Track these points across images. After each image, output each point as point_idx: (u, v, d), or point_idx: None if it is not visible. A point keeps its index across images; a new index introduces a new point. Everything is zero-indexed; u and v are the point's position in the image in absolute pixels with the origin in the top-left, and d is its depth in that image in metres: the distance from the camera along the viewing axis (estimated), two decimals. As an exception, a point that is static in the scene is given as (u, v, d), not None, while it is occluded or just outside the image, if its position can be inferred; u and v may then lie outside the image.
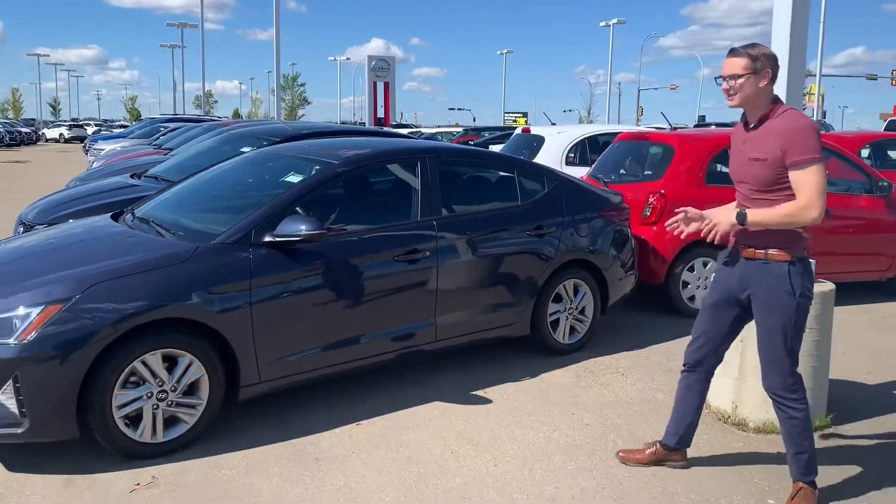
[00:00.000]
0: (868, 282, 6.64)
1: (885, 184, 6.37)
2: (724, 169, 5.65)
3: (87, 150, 19.30)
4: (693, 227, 2.91)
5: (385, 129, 16.68)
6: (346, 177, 4.26)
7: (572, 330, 4.93)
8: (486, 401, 4.10)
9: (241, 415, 3.78)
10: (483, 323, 4.45)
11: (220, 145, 7.36)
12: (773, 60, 2.81)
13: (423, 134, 26.43)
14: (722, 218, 2.86)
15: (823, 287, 3.71)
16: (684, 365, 3.21)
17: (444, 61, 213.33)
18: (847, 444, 3.61)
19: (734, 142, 3.00)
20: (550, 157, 9.19)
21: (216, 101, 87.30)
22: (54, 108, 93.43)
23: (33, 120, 72.69)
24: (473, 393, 4.20)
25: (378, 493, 3.09)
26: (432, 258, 4.13)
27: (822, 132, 5.79)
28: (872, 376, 4.62)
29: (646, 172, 6.57)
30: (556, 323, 4.83)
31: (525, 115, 55.89)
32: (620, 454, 3.41)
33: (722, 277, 3.06)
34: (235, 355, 3.48)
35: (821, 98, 41.37)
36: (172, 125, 16.40)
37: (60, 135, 49.16)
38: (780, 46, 3.82)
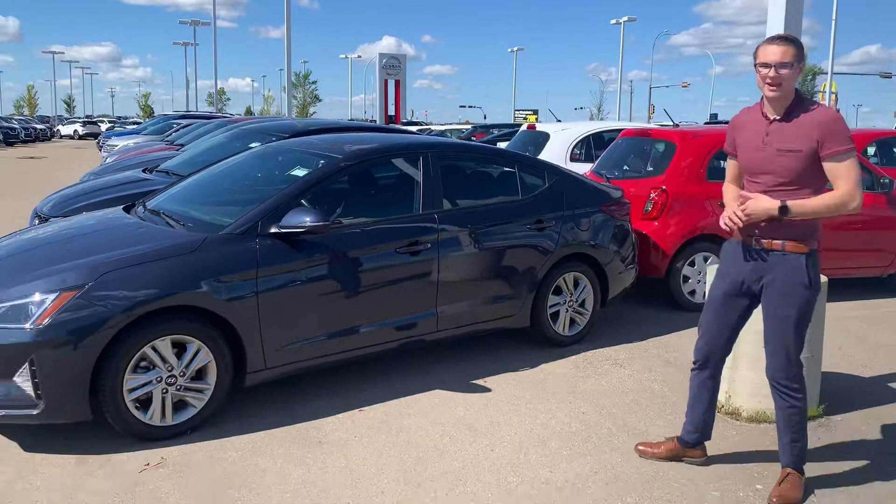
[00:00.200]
0: (868, 278, 6.69)
1: (887, 180, 6.42)
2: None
3: (101, 146, 19.54)
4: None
5: (395, 125, 16.77)
6: (350, 171, 4.38)
7: (572, 322, 5.02)
8: (486, 389, 4.21)
9: (248, 400, 3.91)
10: (484, 314, 4.55)
11: (229, 141, 7.47)
12: None
13: (432, 131, 26.55)
14: (760, 207, 2.79)
15: (816, 279, 3.78)
16: (694, 362, 3.19)
17: (455, 59, 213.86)
18: (836, 433, 3.68)
19: (748, 134, 2.92)
20: (555, 153, 9.25)
21: (229, 99, 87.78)
22: (69, 105, 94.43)
23: (48, 117, 73.56)
24: (473, 382, 4.31)
25: (378, 475, 3.20)
26: (434, 250, 4.23)
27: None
28: (868, 369, 4.69)
29: (648, 168, 6.65)
30: (556, 315, 4.92)
31: (535, 112, 55.79)
32: (639, 447, 3.41)
33: (731, 269, 3.02)
34: (242, 342, 3.60)
35: (834, 96, 41.04)
36: (184, 122, 16.54)
37: (75, 131, 49.68)
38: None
